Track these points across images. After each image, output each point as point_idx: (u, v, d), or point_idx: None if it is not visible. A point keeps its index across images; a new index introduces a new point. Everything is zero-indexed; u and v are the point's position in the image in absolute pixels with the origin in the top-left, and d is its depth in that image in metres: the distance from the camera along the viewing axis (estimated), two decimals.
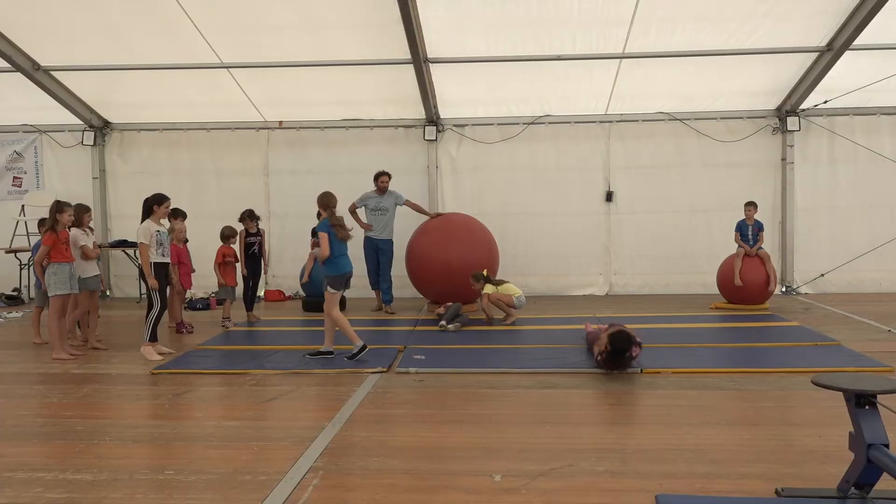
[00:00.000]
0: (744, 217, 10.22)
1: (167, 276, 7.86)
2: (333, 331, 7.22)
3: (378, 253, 10.33)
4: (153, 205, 7.67)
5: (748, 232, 10.08)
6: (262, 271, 9.92)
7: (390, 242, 10.37)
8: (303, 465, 4.28)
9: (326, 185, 11.51)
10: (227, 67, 10.56)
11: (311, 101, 11.45)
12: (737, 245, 10.13)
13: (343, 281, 7.26)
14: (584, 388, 6.01)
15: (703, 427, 4.92)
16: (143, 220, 7.66)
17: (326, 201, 7.35)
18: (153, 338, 7.52)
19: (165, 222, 8.05)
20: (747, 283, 9.79)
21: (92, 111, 11.97)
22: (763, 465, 4.18)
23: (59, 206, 7.62)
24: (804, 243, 11.59)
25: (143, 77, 10.83)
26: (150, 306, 7.52)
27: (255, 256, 9.65)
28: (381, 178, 10.26)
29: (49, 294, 7.60)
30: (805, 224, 11.57)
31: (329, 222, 7.20)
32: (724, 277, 10.08)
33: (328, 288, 7.18)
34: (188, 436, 4.96)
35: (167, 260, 7.79)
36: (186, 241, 9.34)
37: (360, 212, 10.42)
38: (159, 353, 7.46)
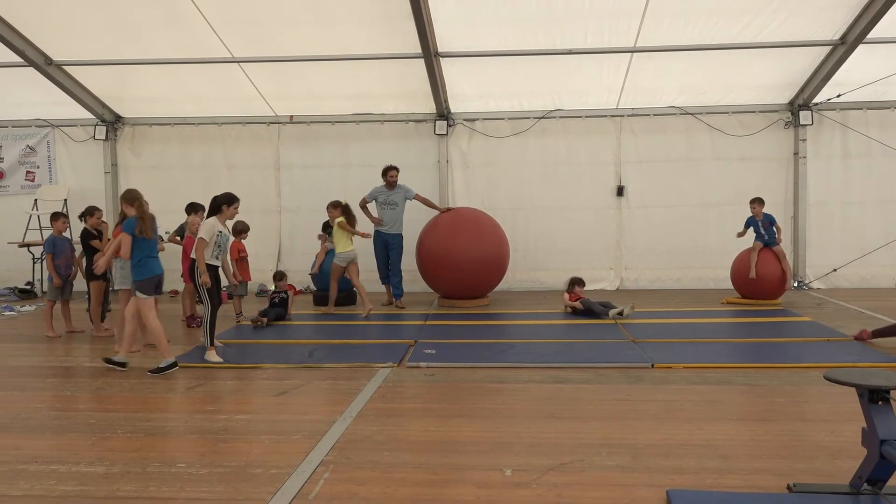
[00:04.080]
0: (751, 214, 10.10)
1: (217, 280, 7.20)
2: (132, 337, 6.82)
3: (387, 247, 10.33)
4: (222, 204, 7.13)
5: (760, 227, 9.98)
6: None
7: (400, 237, 10.36)
8: (314, 459, 4.30)
9: (337, 179, 11.71)
10: (238, 62, 10.59)
11: (321, 96, 11.46)
12: (753, 238, 10.04)
13: (153, 285, 6.75)
14: (595, 383, 6.00)
15: (715, 422, 4.91)
16: (208, 215, 7.17)
17: (132, 196, 6.79)
18: (212, 342, 7.06)
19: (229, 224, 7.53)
20: (762, 277, 9.71)
21: (104, 106, 12.02)
22: (775, 461, 4.16)
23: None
24: (816, 238, 11.54)
25: (155, 72, 10.87)
26: (205, 309, 7.11)
27: None
28: (390, 172, 10.24)
29: (115, 288, 7.63)
30: (817, 219, 11.52)
31: (136, 219, 6.63)
32: (739, 272, 9.98)
33: (137, 293, 6.69)
34: (200, 429, 4.99)
35: (219, 264, 7.23)
36: None
37: (371, 206, 10.43)
38: (219, 356, 7.04)
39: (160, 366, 6.60)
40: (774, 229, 9.97)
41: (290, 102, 11.78)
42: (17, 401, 5.78)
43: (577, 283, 9.64)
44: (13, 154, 12.50)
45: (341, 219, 9.64)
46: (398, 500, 3.75)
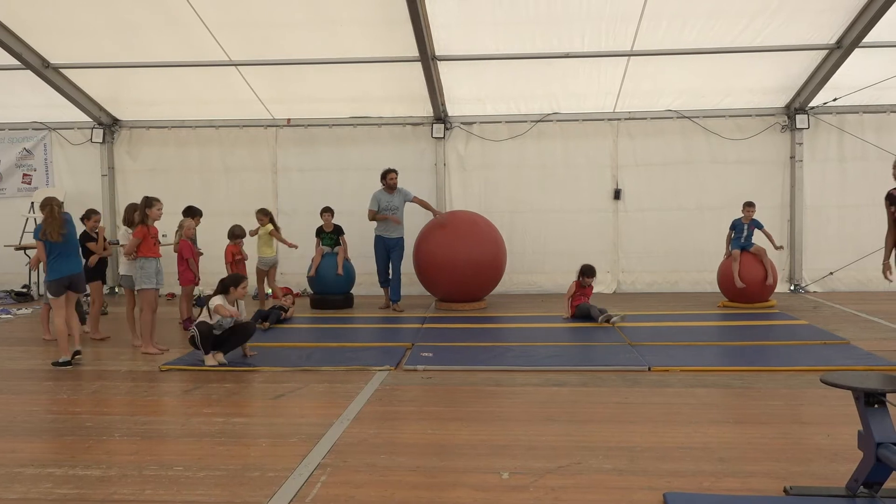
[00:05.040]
0: (741, 217, 10.09)
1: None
2: (66, 337, 7.00)
3: (389, 251, 10.31)
4: (230, 286, 7.12)
5: (743, 231, 10.01)
6: None
7: (401, 240, 10.33)
8: (311, 462, 4.29)
9: (335, 182, 11.74)
10: (235, 65, 10.58)
11: (319, 99, 11.46)
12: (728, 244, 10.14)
13: (63, 285, 6.92)
14: (592, 386, 6.00)
15: (712, 425, 4.91)
16: (216, 292, 7.17)
17: (44, 202, 6.93)
18: (207, 350, 7.02)
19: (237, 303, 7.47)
20: (747, 282, 9.75)
21: (101, 109, 12.01)
22: (771, 464, 4.17)
23: (148, 202, 7.60)
24: (813, 241, 11.55)
25: (152, 74, 10.86)
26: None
27: None
28: (390, 175, 10.18)
29: (136, 288, 7.68)
30: (814, 222, 11.54)
31: (41, 224, 6.78)
32: (725, 278, 10.02)
33: (47, 293, 6.89)
34: (197, 432, 4.98)
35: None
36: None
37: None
38: (217, 361, 7.01)
39: (58, 360, 6.96)
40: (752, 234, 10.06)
41: (287, 105, 11.77)
42: (13, 404, 5.77)
43: (585, 272, 9.24)
44: (10, 157, 12.48)
45: (269, 226, 9.91)
46: (395, 503, 3.75)
